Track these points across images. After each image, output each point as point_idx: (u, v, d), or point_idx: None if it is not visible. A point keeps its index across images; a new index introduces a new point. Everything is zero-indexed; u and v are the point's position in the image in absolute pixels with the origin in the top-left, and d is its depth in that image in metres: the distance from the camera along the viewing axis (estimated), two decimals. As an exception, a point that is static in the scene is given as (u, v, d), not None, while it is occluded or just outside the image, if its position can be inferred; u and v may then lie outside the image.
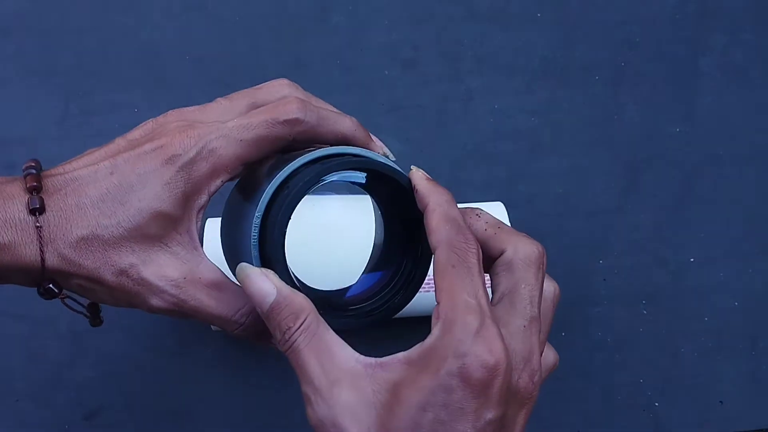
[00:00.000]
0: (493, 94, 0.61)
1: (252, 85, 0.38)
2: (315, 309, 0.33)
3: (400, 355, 0.31)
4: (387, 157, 0.37)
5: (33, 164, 0.34)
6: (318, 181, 0.34)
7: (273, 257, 0.33)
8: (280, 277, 0.33)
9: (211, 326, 0.49)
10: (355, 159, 0.35)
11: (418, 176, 0.36)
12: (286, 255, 0.34)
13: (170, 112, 0.36)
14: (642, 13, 0.62)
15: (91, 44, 0.59)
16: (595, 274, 0.60)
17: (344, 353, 0.33)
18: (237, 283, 0.35)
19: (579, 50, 0.62)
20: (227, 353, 0.57)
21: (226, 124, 0.35)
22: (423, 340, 0.31)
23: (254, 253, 0.34)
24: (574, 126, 0.61)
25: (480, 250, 0.32)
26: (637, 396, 0.59)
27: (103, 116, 0.58)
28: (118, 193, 0.33)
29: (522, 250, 0.34)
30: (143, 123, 0.36)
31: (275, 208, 0.34)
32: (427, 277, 0.37)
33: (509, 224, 0.43)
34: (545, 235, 0.59)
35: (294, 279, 0.35)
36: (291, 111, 0.35)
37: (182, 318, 0.36)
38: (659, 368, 0.59)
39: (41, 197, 0.33)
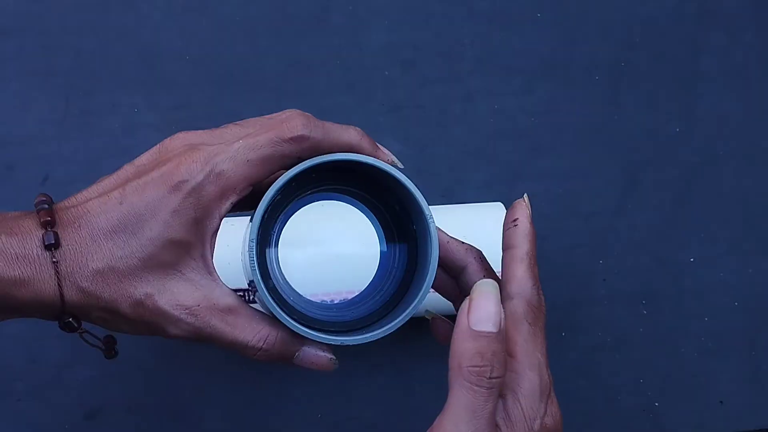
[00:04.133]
0: (493, 94, 0.61)
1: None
2: None
3: None
4: (395, 165, 0.37)
5: (45, 198, 0.35)
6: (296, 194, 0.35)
7: (263, 275, 0.34)
8: (270, 297, 0.34)
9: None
10: (338, 158, 0.35)
11: (523, 212, 0.38)
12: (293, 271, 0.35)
13: (178, 134, 0.36)
14: (642, 13, 0.62)
15: (91, 44, 0.59)
16: (595, 274, 0.60)
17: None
18: (255, 307, 0.36)
19: (579, 50, 0.62)
20: (227, 353, 0.57)
21: (232, 145, 0.34)
22: None
23: (256, 275, 0.34)
24: (574, 126, 0.61)
25: None
26: (637, 396, 0.59)
27: (103, 116, 0.58)
28: (129, 223, 0.33)
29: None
30: (152, 147, 0.36)
31: (268, 225, 0.34)
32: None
33: None
34: (545, 235, 0.59)
35: (282, 296, 0.36)
36: (295, 128, 0.35)
37: (200, 343, 0.36)
38: (659, 368, 0.59)
39: (56, 232, 0.33)
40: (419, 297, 0.35)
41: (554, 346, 0.59)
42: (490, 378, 0.32)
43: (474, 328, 0.32)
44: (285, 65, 0.60)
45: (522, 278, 0.35)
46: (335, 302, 0.38)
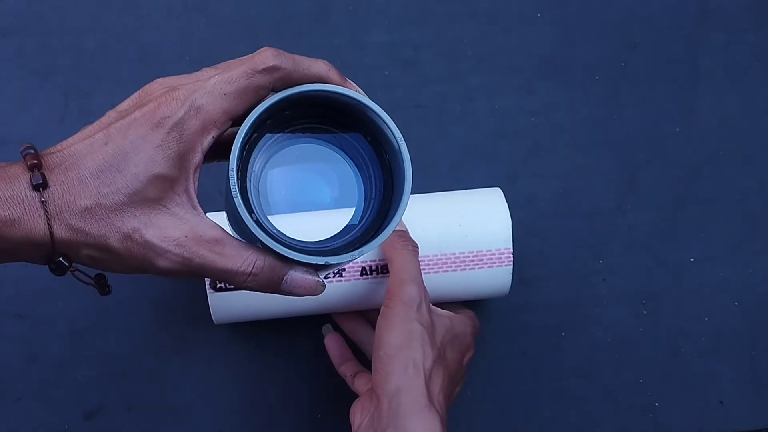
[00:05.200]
0: (493, 94, 0.61)
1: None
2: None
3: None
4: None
5: (30, 145, 0.36)
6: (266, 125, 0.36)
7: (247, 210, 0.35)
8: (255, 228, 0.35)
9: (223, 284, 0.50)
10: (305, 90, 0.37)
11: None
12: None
13: (156, 79, 0.37)
14: (642, 13, 0.62)
15: (91, 44, 0.59)
16: (595, 274, 0.60)
17: None
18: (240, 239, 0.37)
19: (579, 50, 0.62)
20: (227, 353, 0.57)
21: (209, 81, 0.36)
22: None
23: (237, 200, 0.35)
24: (574, 126, 0.61)
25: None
26: (637, 396, 0.59)
27: (102, 116, 0.58)
28: (115, 162, 0.34)
29: None
30: (133, 94, 0.37)
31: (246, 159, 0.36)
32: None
33: (508, 211, 0.52)
34: (545, 235, 0.59)
35: (271, 230, 0.37)
36: (267, 59, 0.36)
37: (193, 278, 0.37)
38: (659, 368, 0.59)
39: (43, 173, 0.34)
40: (396, 217, 0.37)
41: (554, 346, 0.59)
42: (411, 244, 0.50)
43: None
44: (285, 65, 0.60)
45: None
46: (318, 239, 0.39)
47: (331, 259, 0.36)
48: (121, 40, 0.59)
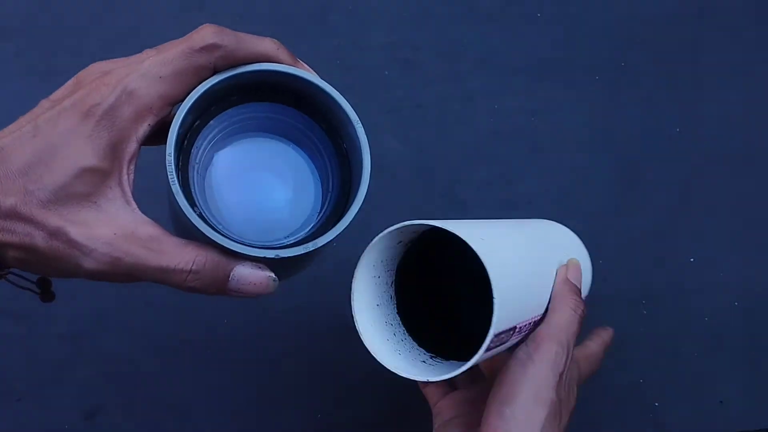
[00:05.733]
0: (493, 94, 0.61)
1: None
2: None
3: None
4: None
5: None
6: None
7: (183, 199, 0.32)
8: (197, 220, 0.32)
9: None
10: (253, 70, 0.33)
11: (561, 277, 0.45)
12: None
13: (91, 64, 0.35)
14: (642, 13, 0.62)
15: (91, 44, 0.59)
16: (595, 274, 0.60)
17: None
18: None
19: (579, 50, 0.62)
20: (227, 353, 0.57)
21: (143, 63, 0.33)
22: None
23: (175, 187, 0.32)
24: (574, 126, 0.61)
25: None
26: (637, 396, 0.59)
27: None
28: (43, 156, 0.32)
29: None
30: (67, 81, 0.35)
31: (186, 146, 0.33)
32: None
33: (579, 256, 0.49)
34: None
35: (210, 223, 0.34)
36: (206, 36, 0.34)
37: (127, 280, 0.34)
38: (659, 368, 0.59)
39: None
40: (353, 208, 0.33)
41: (554, 346, 0.59)
42: (581, 304, 0.44)
43: (573, 280, 0.45)
44: (285, 65, 0.60)
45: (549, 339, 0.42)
46: (271, 239, 0.35)
47: (282, 252, 0.32)
48: (121, 40, 0.59)
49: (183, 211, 0.32)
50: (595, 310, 0.59)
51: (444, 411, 0.45)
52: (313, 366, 0.58)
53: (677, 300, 0.60)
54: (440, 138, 0.60)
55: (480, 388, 0.45)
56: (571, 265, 0.46)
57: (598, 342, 0.50)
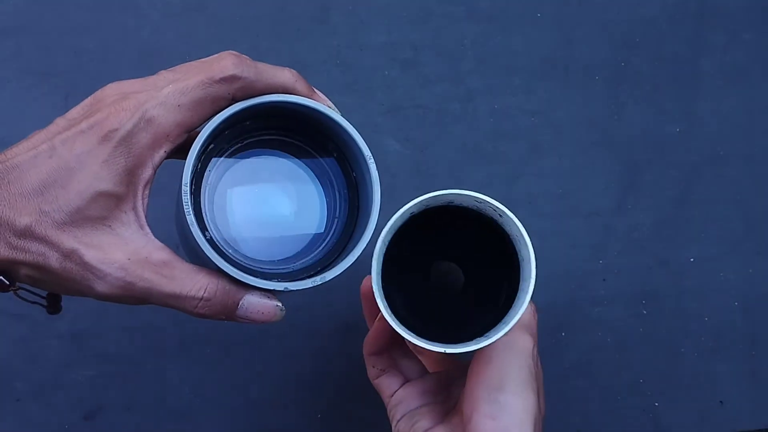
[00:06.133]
0: (493, 94, 0.61)
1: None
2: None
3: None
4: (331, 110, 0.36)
5: None
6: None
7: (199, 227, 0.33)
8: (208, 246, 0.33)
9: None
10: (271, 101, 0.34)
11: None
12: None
13: (109, 85, 0.35)
14: (642, 13, 0.62)
15: (91, 44, 0.59)
16: (595, 274, 0.60)
17: None
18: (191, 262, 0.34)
19: (579, 50, 0.62)
20: (227, 353, 0.57)
21: (162, 90, 0.33)
22: None
23: (191, 219, 0.32)
24: (574, 126, 0.61)
25: None
26: (637, 396, 0.59)
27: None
28: (59, 177, 0.32)
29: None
30: (85, 100, 0.35)
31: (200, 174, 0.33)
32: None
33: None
34: (545, 235, 0.59)
35: (219, 246, 0.34)
36: (226, 68, 0.34)
37: (138, 303, 0.34)
38: (659, 368, 0.59)
39: None
40: (361, 242, 0.34)
41: (554, 346, 0.59)
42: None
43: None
44: (285, 65, 0.60)
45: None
46: (277, 258, 0.36)
47: (291, 285, 0.33)
48: (121, 40, 0.59)
49: (197, 241, 0.32)
50: (595, 310, 0.59)
51: (407, 400, 0.44)
52: (313, 366, 0.58)
53: (677, 300, 0.60)
54: (440, 138, 0.60)
55: (436, 380, 0.45)
56: None
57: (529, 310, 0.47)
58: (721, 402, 0.59)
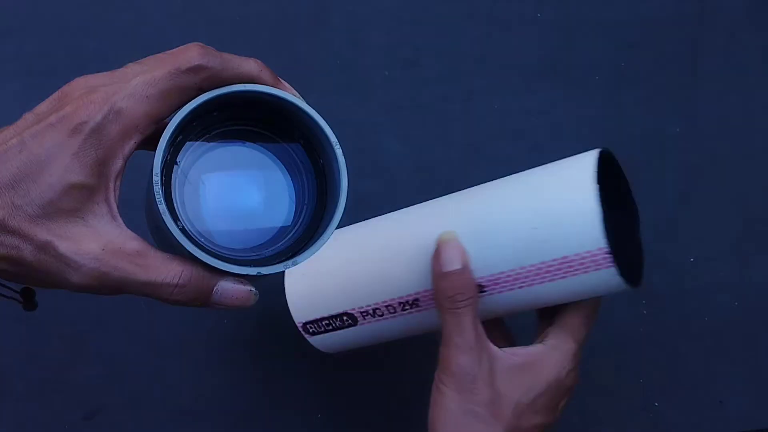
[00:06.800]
0: (493, 94, 0.61)
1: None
2: (478, 291, 0.43)
3: (521, 351, 0.44)
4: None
5: None
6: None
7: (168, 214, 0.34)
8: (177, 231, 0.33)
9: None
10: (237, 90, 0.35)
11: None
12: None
13: (76, 79, 0.35)
14: (642, 13, 0.62)
15: (91, 44, 0.59)
16: (595, 274, 0.60)
17: (485, 334, 0.43)
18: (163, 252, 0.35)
19: (579, 50, 0.62)
20: (227, 353, 0.58)
21: (130, 82, 0.34)
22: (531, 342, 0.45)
23: (162, 208, 0.33)
24: (574, 126, 0.61)
25: None
26: (637, 396, 0.59)
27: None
28: (30, 171, 0.32)
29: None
30: (52, 95, 0.35)
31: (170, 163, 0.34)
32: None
33: (595, 196, 0.40)
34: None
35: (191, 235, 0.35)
36: (193, 58, 0.34)
37: (113, 293, 0.35)
38: (659, 368, 0.59)
39: None
40: (330, 227, 0.35)
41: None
42: (461, 301, 0.42)
43: (443, 270, 0.42)
44: (285, 65, 0.60)
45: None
46: (248, 246, 0.37)
47: (264, 270, 0.34)
48: (121, 40, 0.59)
49: (170, 231, 0.33)
50: (595, 310, 0.59)
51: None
52: (312, 366, 0.58)
53: (677, 300, 0.60)
54: (440, 138, 0.60)
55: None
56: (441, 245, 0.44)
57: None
58: (721, 402, 0.59)
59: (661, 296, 0.60)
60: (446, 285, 0.42)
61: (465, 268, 0.42)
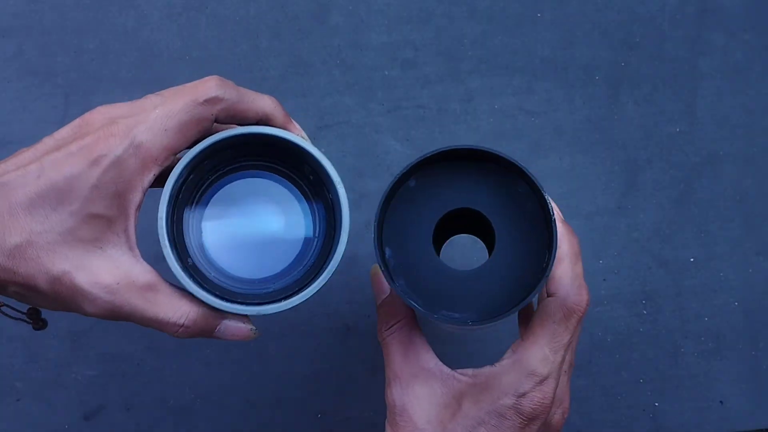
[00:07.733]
0: (493, 94, 0.61)
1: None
2: (412, 315, 0.39)
3: (470, 372, 0.38)
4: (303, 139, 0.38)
5: None
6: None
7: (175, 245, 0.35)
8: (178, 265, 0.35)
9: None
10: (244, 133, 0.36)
11: (558, 216, 0.40)
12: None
13: (99, 107, 0.36)
14: (642, 13, 0.62)
15: (91, 44, 0.59)
16: (595, 274, 0.60)
17: (427, 356, 0.39)
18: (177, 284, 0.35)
19: (579, 50, 0.62)
20: (227, 353, 0.57)
21: (150, 115, 0.34)
22: (492, 362, 0.38)
23: (167, 252, 0.35)
24: (574, 126, 0.61)
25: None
26: (637, 396, 0.59)
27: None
28: (48, 198, 0.33)
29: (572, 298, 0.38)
30: (73, 121, 0.36)
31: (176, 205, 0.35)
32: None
33: None
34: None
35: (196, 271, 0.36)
36: (210, 89, 0.35)
37: (119, 320, 0.35)
38: (659, 368, 0.59)
39: None
40: (331, 265, 0.36)
41: (554, 346, 0.59)
42: (385, 331, 0.40)
43: (377, 305, 0.42)
44: (285, 65, 0.60)
45: (560, 277, 0.38)
46: (259, 277, 0.38)
47: (263, 310, 0.36)
48: (121, 40, 0.59)
49: (173, 273, 0.34)
50: (595, 309, 0.59)
51: None
52: (313, 366, 0.58)
53: (677, 300, 0.60)
54: (440, 138, 0.60)
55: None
56: None
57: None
58: (721, 402, 0.59)
59: (661, 296, 0.60)
60: (378, 319, 0.41)
61: (391, 296, 0.41)
